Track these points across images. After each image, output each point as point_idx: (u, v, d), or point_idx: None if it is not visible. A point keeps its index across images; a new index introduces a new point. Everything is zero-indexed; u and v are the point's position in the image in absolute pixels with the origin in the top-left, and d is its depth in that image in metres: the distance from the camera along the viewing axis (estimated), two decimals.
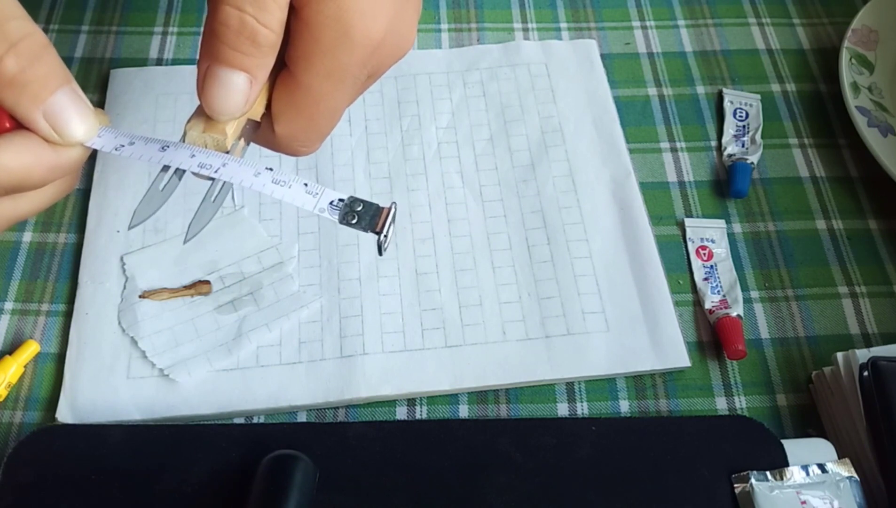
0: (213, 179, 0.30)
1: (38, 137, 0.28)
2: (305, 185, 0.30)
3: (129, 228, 0.32)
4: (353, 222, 0.30)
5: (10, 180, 0.28)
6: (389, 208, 0.30)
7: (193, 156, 0.30)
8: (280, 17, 0.28)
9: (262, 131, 0.32)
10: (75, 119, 0.29)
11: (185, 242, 0.32)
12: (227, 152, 0.30)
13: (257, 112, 0.32)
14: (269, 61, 0.29)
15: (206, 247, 0.47)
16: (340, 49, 0.29)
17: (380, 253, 0.31)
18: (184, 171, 0.30)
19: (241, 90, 0.29)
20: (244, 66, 0.29)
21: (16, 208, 0.30)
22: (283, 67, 0.31)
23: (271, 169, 0.30)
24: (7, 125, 0.28)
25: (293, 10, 0.29)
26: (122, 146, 0.30)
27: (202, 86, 0.29)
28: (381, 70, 0.32)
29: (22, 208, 0.30)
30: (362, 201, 0.30)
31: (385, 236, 0.30)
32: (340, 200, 0.30)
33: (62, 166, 0.29)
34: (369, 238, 0.47)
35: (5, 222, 0.30)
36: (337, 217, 0.30)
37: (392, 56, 0.32)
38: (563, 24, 0.59)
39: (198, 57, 0.30)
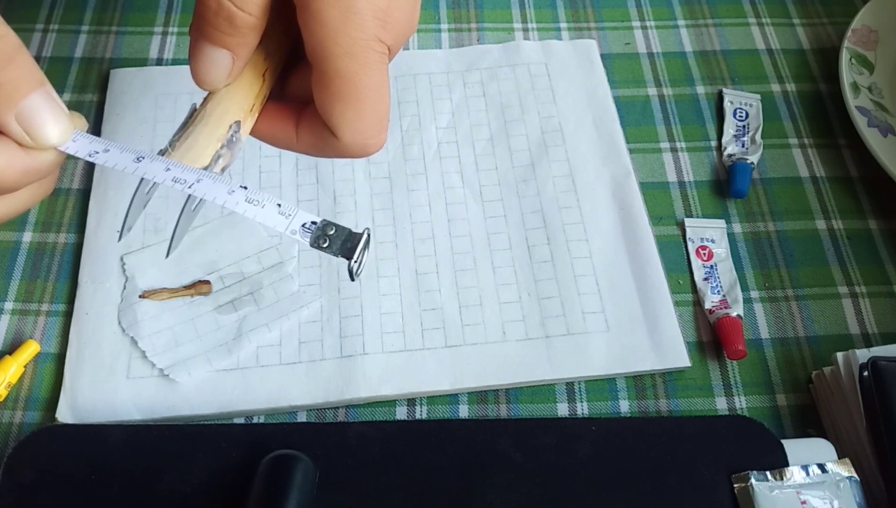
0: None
1: (11, 140, 0.28)
2: (279, 205, 0.30)
3: (119, 239, 0.32)
4: (325, 245, 0.30)
5: None
6: (362, 234, 0.30)
7: (168, 170, 0.30)
8: (259, 1, 0.29)
9: (327, 145, 0.33)
10: (49, 123, 0.29)
11: (167, 255, 0.32)
12: (206, 168, 0.31)
13: (245, 129, 0.32)
14: (250, 41, 0.30)
15: (206, 247, 0.47)
16: (350, 24, 0.29)
17: (352, 278, 0.31)
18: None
19: (223, 66, 0.30)
20: (225, 44, 0.30)
21: None
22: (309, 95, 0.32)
23: (245, 187, 0.30)
24: None
25: (296, 9, 0.30)
26: (97, 152, 0.30)
27: (190, 57, 0.31)
28: (399, 41, 0.32)
29: None
30: (335, 225, 0.30)
31: (356, 261, 0.30)
32: (313, 222, 0.30)
33: (36, 170, 0.29)
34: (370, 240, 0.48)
35: None
36: (308, 240, 0.30)
37: (405, 25, 0.32)
38: (563, 24, 0.59)
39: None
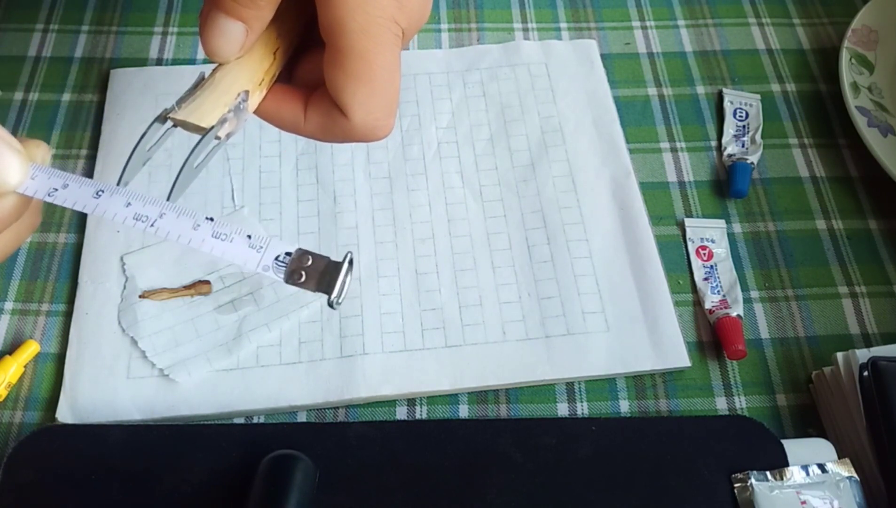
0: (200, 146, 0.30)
1: None
2: (249, 237, 0.28)
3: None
4: (301, 281, 0.28)
5: None
6: (342, 264, 0.28)
7: (129, 205, 0.28)
8: None
9: (336, 126, 0.32)
10: (2, 165, 0.27)
11: (167, 198, 0.30)
12: (212, 128, 0.30)
13: (253, 102, 0.32)
14: (266, 14, 0.30)
15: None
16: (368, 1, 0.29)
17: (331, 307, 0.28)
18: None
19: (235, 37, 0.30)
20: (241, 16, 0.30)
21: None
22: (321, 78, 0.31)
23: (212, 219, 0.28)
24: None
25: None
26: (55, 190, 0.28)
27: (202, 27, 0.30)
28: (412, 27, 0.32)
29: None
30: (311, 254, 0.28)
31: (335, 297, 0.28)
32: (288, 253, 0.28)
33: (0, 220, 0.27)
34: (368, 240, 0.48)
35: None
36: (283, 276, 0.28)
37: (419, 12, 0.32)
38: (563, 24, 0.59)
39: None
